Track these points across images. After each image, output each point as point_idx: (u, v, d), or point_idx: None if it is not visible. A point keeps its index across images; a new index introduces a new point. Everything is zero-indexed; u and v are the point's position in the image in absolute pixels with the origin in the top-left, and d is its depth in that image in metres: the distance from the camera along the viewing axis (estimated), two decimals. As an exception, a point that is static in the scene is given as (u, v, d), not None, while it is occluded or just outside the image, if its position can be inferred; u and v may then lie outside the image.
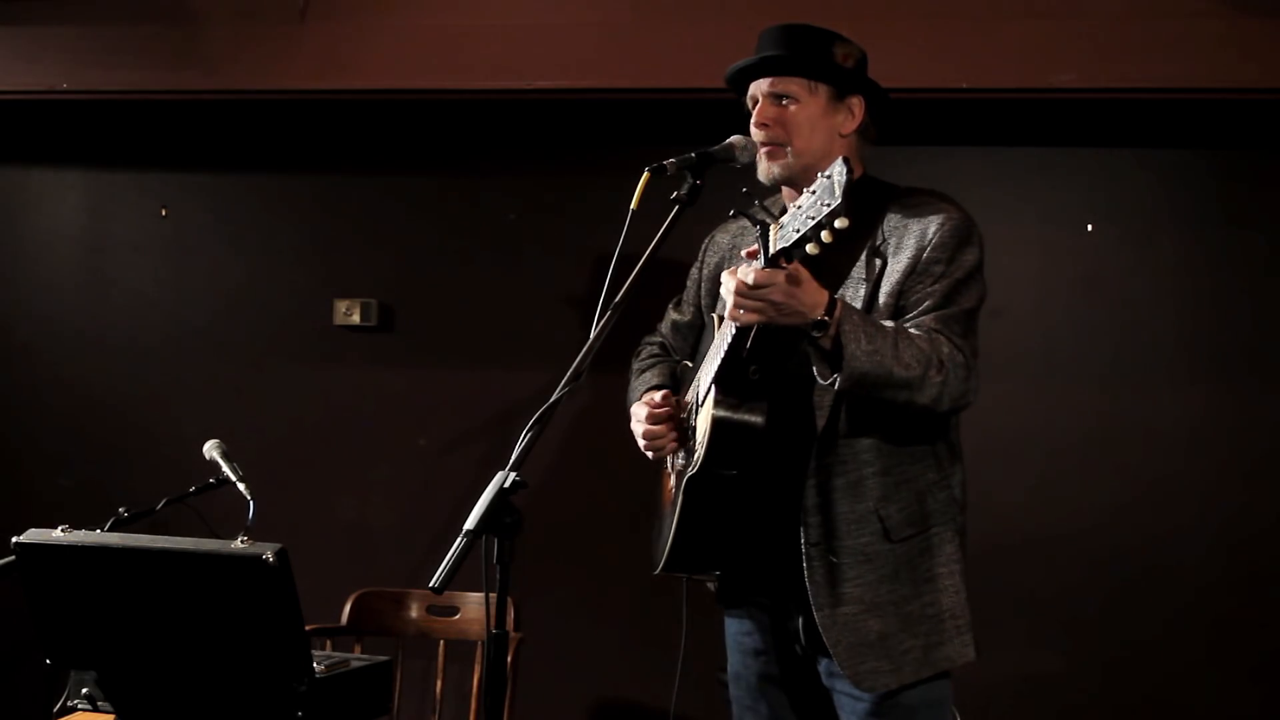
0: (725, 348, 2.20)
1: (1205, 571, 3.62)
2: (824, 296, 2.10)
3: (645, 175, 2.20)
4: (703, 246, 2.65)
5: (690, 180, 2.22)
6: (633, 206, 2.17)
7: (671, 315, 2.70)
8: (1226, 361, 3.64)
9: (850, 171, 1.89)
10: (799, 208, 1.95)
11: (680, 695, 2.50)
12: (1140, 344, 3.67)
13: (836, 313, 2.10)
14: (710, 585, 2.53)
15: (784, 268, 2.04)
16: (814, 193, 1.93)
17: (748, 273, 2.05)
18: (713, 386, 2.24)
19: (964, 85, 3.36)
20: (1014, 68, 3.35)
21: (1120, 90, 3.33)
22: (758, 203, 2.18)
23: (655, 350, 2.71)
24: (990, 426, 3.52)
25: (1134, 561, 3.64)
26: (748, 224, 2.52)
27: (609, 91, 3.54)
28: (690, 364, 2.58)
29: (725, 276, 2.12)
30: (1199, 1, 3.31)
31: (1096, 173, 3.70)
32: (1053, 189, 3.71)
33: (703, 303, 2.61)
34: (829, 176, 1.91)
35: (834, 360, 2.13)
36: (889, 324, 2.19)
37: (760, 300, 2.06)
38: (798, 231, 1.95)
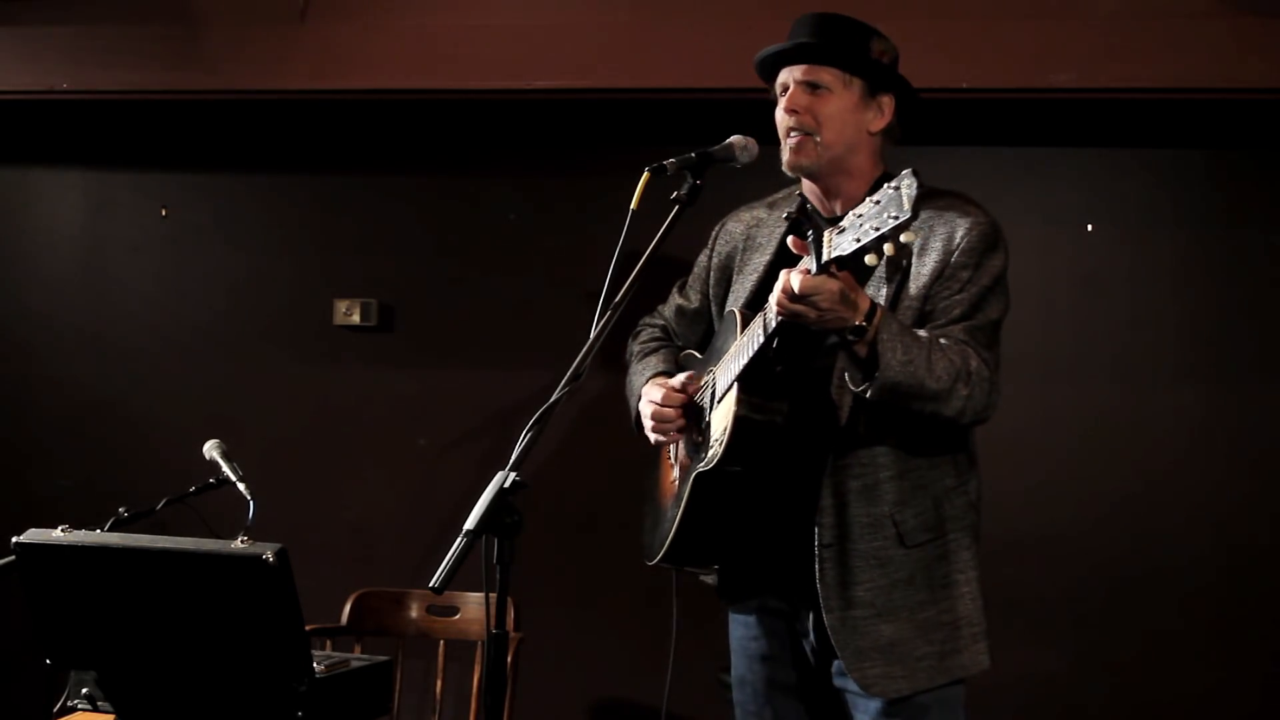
0: (754, 348, 2.18)
1: (1206, 570, 3.62)
2: (865, 303, 2.09)
3: (645, 175, 2.18)
4: (714, 233, 2.61)
5: (690, 180, 2.21)
6: (633, 206, 2.16)
7: (677, 300, 2.67)
8: (1226, 361, 3.65)
9: (919, 184, 1.86)
10: (860, 216, 1.92)
11: (675, 693, 2.49)
12: (1140, 344, 3.67)
13: (876, 319, 2.09)
14: (707, 579, 2.53)
15: (835, 276, 2.02)
16: (878, 202, 1.89)
17: (797, 278, 2.03)
18: (735, 384, 2.23)
19: (964, 85, 3.36)
20: (1014, 68, 3.35)
21: (1120, 90, 3.33)
22: (809, 206, 2.15)
23: (657, 333, 2.67)
24: (991, 426, 3.47)
25: (1135, 561, 3.64)
26: (763, 214, 2.51)
27: (609, 91, 3.54)
28: (697, 355, 2.56)
29: (782, 274, 2.08)
30: (1199, 1, 3.31)
31: (1096, 173, 3.70)
32: (1053, 189, 3.71)
33: (711, 291, 2.58)
34: (896, 188, 1.87)
35: (867, 367, 2.12)
36: (923, 334, 2.17)
37: (806, 305, 2.04)
38: (858, 241, 1.91)
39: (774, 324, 2.13)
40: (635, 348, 2.67)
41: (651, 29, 3.50)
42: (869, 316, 2.08)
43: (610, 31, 3.52)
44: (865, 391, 2.13)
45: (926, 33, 3.36)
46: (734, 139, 2.34)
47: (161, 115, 4.01)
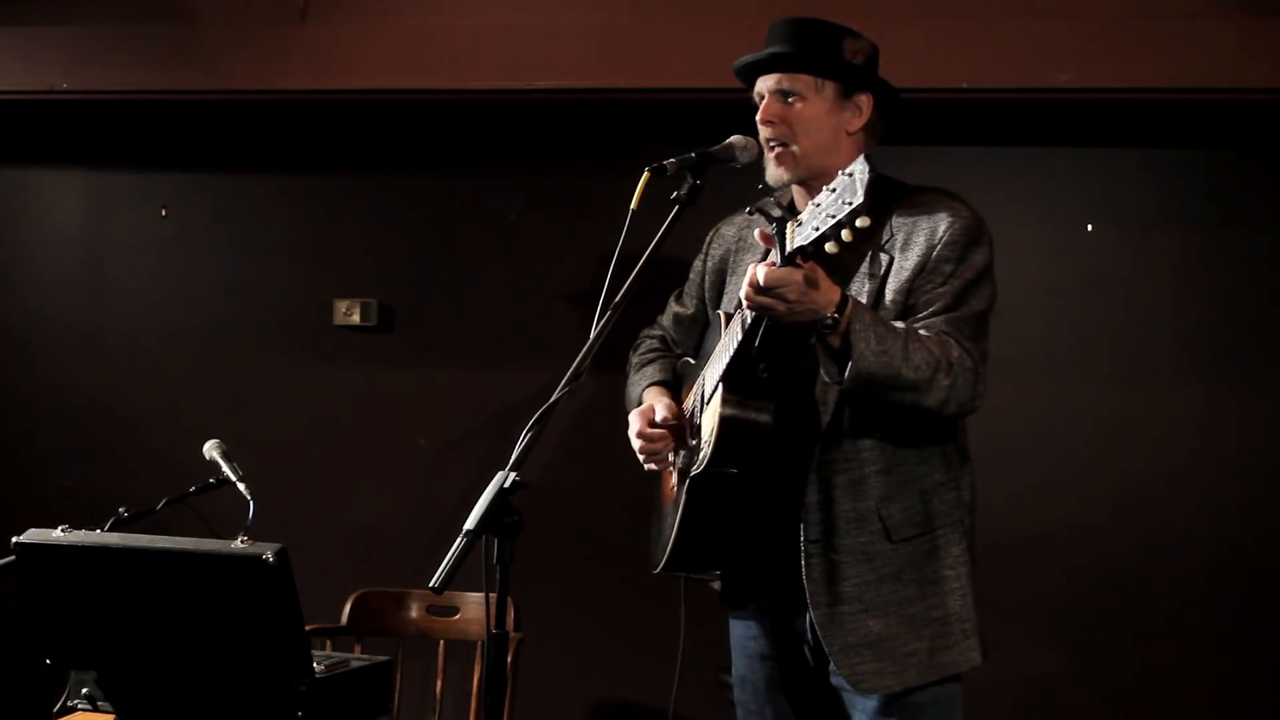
0: (734, 347, 2.19)
1: (1205, 569, 3.62)
2: (836, 294, 2.09)
3: (645, 175, 2.18)
4: (707, 238, 2.62)
5: (690, 180, 2.21)
6: (633, 206, 2.16)
7: (674, 308, 2.68)
8: (1226, 361, 3.65)
9: (873, 169, 1.87)
10: (818, 205, 1.94)
11: (679, 695, 2.50)
12: (1140, 343, 3.67)
13: (847, 311, 2.09)
14: (714, 584, 2.53)
15: (800, 266, 2.03)
16: (834, 190, 1.91)
17: (762, 270, 2.04)
18: (720, 385, 2.23)
19: (964, 85, 3.36)
20: (1014, 68, 3.35)
21: (1120, 90, 3.33)
22: (773, 198, 2.16)
23: (655, 344, 2.68)
24: (990, 426, 3.49)
25: (1134, 560, 3.64)
26: (757, 215, 2.52)
27: (609, 91, 3.54)
28: (692, 360, 2.57)
29: (749, 268, 2.09)
30: (1199, 1, 3.31)
31: (1096, 173, 3.70)
32: (1053, 189, 3.71)
33: (706, 295, 2.59)
34: (850, 174, 1.89)
35: (842, 359, 2.12)
36: (900, 325, 2.18)
37: (773, 298, 2.05)
38: (817, 230, 1.93)
39: (748, 320, 2.14)
40: (634, 359, 2.68)
41: (651, 29, 3.50)
42: (840, 308, 2.09)
43: (610, 31, 3.52)
44: (841, 384, 2.14)
45: (926, 33, 3.37)
46: (734, 139, 2.35)
47: (161, 115, 4.01)
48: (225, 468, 2.52)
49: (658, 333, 2.70)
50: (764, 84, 2.37)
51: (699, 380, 2.42)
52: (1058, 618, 3.66)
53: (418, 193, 4.04)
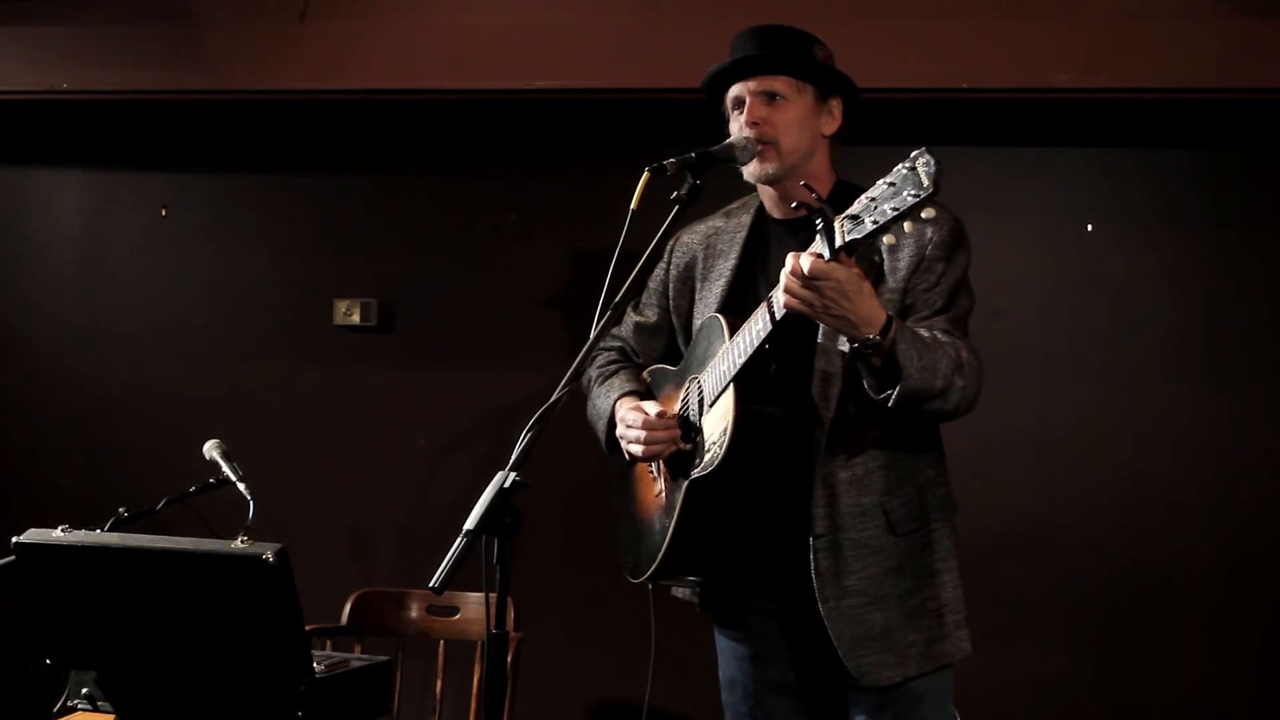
0: (753, 344, 2.19)
1: (1200, 567, 3.62)
2: (881, 316, 2.09)
3: (645, 175, 2.18)
4: (669, 247, 2.61)
5: (690, 180, 2.21)
6: (633, 206, 2.16)
7: (633, 318, 2.65)
8: (1225, 360, 3.65)
9: (938, 159, 1.87)
10: (873, 200, 1.93)
11: (670, 693, 2.49)
12: (1139, 343, 3.67)
13: (891, 333, 2.10)
14: (678, 592, 2.52)
15: (844, 262, 2.03)
16: (892, 184, 1.91)
17: (807, 260, 2.03)
18: (732, 385, 2.23)
19: (964, 85, 3.36)
20: (1014, 68, 3.35)
21: (1120, 90, 3.34)
22: (815, 195, 2.17)
23: (614, 356, 2.66)
24: (990, 424, 3.51)
25: (1130, 558, 3.64)
26: (720, 223, 2.52)
27: (609, 91, 3.54)
28: (669, 366, 2.55)
29: (790, 257, 2.08)
30: (1199, 1, 3.31)
31: (1096, 173, 3.70)
32: (1053, 189, 3.71)
33: (672, 304, 2.59)
34: (912, 168, 1.89)
35: (883, 375, 2.14)
36: (925, 333, 2.20)
37: (811, 291, 2.05)
38: (875, 223, 1.93)
39: (780, 314, 2.13)
40: (593, 373, 2.63)
41: (651, 29, 3.50)
42: (884, 331, 2.09)
43: (610, 31, 3.52)
44: (887, 400, 2.14)
45: (927, 33, 3.37)
46: (734, 139, 2.35)
47: (161, 115, 4.01)
48: (225, 468, 2.53)
49: (615, 344, 2.68)
50: (744, 88, 2.37)
51: (689, 384, 2.40)
52: (1054, 615, 3.66)
53: (418, 193, 4.04)
